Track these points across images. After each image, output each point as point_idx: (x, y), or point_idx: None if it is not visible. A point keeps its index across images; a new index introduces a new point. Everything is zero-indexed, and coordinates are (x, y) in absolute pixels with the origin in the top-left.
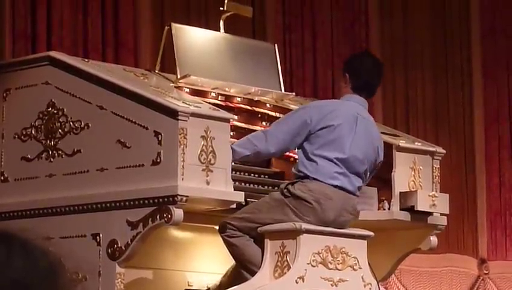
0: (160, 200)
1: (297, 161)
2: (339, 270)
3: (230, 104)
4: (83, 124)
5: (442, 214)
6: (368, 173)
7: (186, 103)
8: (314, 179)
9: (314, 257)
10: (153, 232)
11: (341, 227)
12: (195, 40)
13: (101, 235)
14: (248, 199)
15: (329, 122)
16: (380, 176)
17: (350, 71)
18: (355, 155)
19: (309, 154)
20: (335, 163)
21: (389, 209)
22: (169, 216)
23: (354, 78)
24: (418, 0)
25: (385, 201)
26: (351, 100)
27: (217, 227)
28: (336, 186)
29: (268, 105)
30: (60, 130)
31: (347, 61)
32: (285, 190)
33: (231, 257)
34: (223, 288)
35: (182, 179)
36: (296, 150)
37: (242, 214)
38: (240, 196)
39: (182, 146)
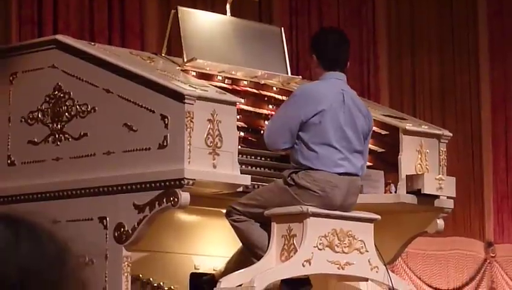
0: (167, 183)
1: (294, 150)
2: (346, 253)
3: (237, 88)
4: (89, 107)
5: (448, 197)
6: (365, 144)
7: (192, 87)
8: (318, 169)
9: (320, 240)
10: (160, 216)
11: (347, 210)
12: (202, 23)
13: (107, 218)
14: (254, 182)
15: (318, 107)
16: (387, 159)
17: (316, 52)
18: (348, 133)
19: (309, 144)
20: (336, 148)
21: (395, 192)
22: (176, 199)
23: (321, 58)
24: None
25: (392, 184)
26: (329, 78)
27: (223, 210)
28: (340, 173)
29: (274, 88)
30: (66, 114)
31: (312, 42)
32: (289, 178)
33: (238, 241)
34: (228, 273)
35: (189, 162)
36: None
37: (246, 200)
38: (246, 179)
39: (188, 129)
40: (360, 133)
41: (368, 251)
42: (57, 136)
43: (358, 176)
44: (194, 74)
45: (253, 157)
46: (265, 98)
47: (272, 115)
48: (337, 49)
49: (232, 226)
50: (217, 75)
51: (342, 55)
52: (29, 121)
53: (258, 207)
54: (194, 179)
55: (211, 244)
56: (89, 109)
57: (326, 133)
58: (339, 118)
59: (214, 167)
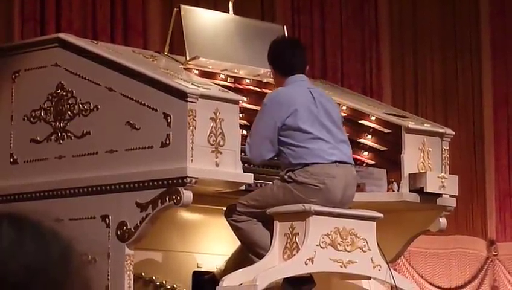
0: (170, 182)
1: (283, 156)
2: (348, 251)
3: (240, 86)
4: (92, 105)
5: (451, 196)
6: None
7: (195, 85)
8: (313, 163)
9: (323, 238)
10: (162, 214)
11: (348, 202)
12: (204, 21)
13: (110, 217)
14: (257, 181)
15: (291, 108)
16: (389, 158)
17: (273, 62)
18: (327, 125)
19: (295, 144)
20: (323, 139)
21: (398, 190)
22: (179, 198)
23: (279, 66)
24: None
25: (394, 182)
26: (293, 81)
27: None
28: (334, 161)
29: None
30: (69, 112)
31: (267, 55)
32: (287, 176)
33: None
34: (228, 272)
35: (191, 160)
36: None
37: (247, 200)
38: (249, 178)
39: (191, 128)
40: (339, 123)
41: (370, 249)
42: (59, 134)
43: (351, 163)
44: (197, 72)
45: None
46: None
47: None
48: (292, 54)
49: (232, 226)
50: (220, 74)
51: (299, 58)
52: (31, 119)
53: (258, 207)
54: (197, 178)
55: (213, 242)
56: (91, 108)
57: (307, 129)
58: (314, 112)
59: (217, 165)
